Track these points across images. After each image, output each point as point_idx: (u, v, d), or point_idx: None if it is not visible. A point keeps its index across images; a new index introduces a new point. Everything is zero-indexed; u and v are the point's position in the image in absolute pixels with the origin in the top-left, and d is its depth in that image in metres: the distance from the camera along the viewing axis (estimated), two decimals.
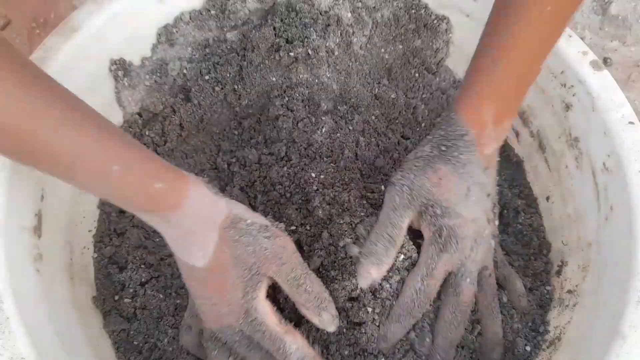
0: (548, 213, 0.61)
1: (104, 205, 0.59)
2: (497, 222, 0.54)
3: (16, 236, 0.46)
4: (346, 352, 0.47)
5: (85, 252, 0.56)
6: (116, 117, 0.62)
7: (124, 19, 0.57)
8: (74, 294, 0.52)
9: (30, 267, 0.46)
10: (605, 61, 0.85)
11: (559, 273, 0.57)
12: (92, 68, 0.56)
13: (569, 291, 0.54)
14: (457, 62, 0.69)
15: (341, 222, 0.51)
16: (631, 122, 0.51)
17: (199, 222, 0.44)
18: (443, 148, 0.49)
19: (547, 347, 0.51)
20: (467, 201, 0.49)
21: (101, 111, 0.58)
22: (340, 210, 0.53)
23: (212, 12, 0.63)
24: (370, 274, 0.46)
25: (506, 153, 0.66)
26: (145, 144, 0.61)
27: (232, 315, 0.44)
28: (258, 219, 0.46)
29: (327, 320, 0.45)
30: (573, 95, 0.56)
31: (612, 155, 0.51)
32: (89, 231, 0.58)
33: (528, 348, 0.51)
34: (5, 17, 0.79)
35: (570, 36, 0.56)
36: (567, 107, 0.57)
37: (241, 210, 0.46)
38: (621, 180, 0.49)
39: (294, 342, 0.44)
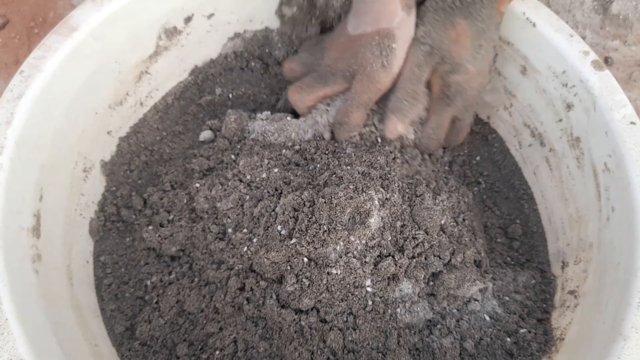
0: (549, 214, 0.61)
1: (103, 206, 0.59)
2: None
3: (15, 237, 0.45)
4: None
5: (84, 252, 0.56)
6: (116, 118, 0.61)
7: (124, 18, 0.57)
8: (72, 295, 0.51)
9: (29, 267, 0.46)
10: (606, 61, 0.84)
11: (560, 272, 0.56)
12: (91, 67, 0.56)
13: (570, 292, 0.53)
14: None
15: None
16: (632, 122, 0.50)
17: None
18: (469, 0, 0.51)
19: (548, 349, 0.51)
20: (477, 56, 0.53)
21: (101, 111, 0.59)
22: None
23: None
24: (397, 129, 0.54)
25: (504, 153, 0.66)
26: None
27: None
28: None
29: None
30: (574, 95, 0.55)
31: (614, 156, 0.50)
32: (88, 231, 0.58)
33: (529, 349, 0.51)
34: (4, 17, 0.79)
35: (571, 36, 0.55)
36: (569, 107, 0.56)
37: None
38: (623, 181, 0.49)
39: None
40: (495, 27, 0.55)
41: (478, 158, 0.67)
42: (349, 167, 0.52)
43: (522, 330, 0.52)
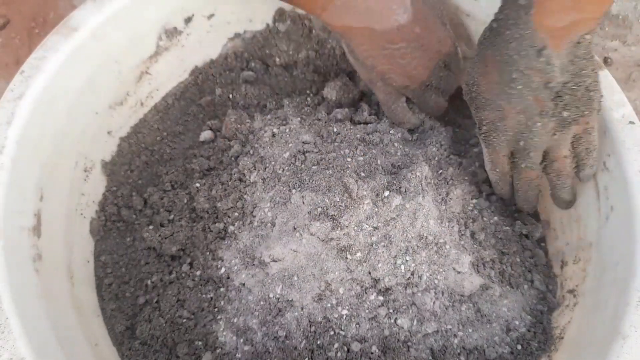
0: (548, 213, 0.61)
1: (104, 206, 0.59)
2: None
3: (15, 236, 0.46)
4: None
5: (85, 252, 0.56)
6: (116, 118, 0.62)
7: (124, 18, 0.57)
8: (73, 294, 0.52)
9: (29, 267, 0.46)
10: (606, 61, 0.84)
11: (560, 272, 0.57)
12: (92, 67, 0.56)
13: (569, 291, 0.54)
14: None
15: None
16: (631, 122, 0.50)
17: None
18: (494, 25, 0.44)
19: (548, 347, 0.51)
20: (512, 92, 0.44)
21: (101, 111, 0.59)
22: None
23: None
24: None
25: None
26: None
27: (445, 46, 0.56)
28: None
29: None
30: None
31: (613, 155, 0.50)
32: (89, 231, 0.58)
33: (528, 348, 0.51)
34: (4, 17, 0.79)
35: None
36: None
37: None
38: (622, 180, 0.49)
39: None
40: (536, 54, 0.41)
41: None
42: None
43: (522, 330, 0.52)
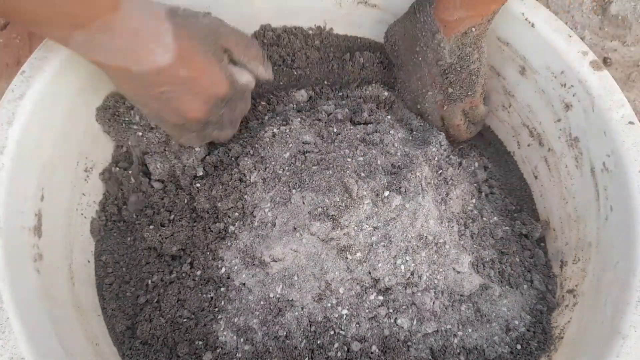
0: (548, 213, 0.61)
1: (105, 206, 0.59)
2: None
3: (16, 236, 0.46)
4: None
5: (86, 252, 0.56)
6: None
7: None
8: (74, 294, 0.52)
9: (30, 267, 0.46)
10: (605, 61, 0.85)
11: (559, 271, 0.57)
12: (92, 67, 0.56)
13: (569, 291, 0.54)
14: None
15: None
16: (631, 122, 0.51)
17: (146, 19, 0.44)
18: (415, 6, 0.56)
19: (547, 347, 0.51)
20: (415, 60, 0.57)
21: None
22: None
23: None
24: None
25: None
26: None
27: (220, 88, 0.50)
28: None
29: (268, 68, 0.55)
30: (573, 95, 0.56)
31: (612, 155, 0.51)
32: (89, 231, 0.58)
33: (528, 348, 0.51)
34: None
35: (570, 36, 0.56)
36: (567, 107, 0.57)
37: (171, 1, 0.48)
38: (621, 180, 0.49)
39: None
40: (432, 36, 0.54)
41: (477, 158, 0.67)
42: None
43: (521, 329, 0.52)
